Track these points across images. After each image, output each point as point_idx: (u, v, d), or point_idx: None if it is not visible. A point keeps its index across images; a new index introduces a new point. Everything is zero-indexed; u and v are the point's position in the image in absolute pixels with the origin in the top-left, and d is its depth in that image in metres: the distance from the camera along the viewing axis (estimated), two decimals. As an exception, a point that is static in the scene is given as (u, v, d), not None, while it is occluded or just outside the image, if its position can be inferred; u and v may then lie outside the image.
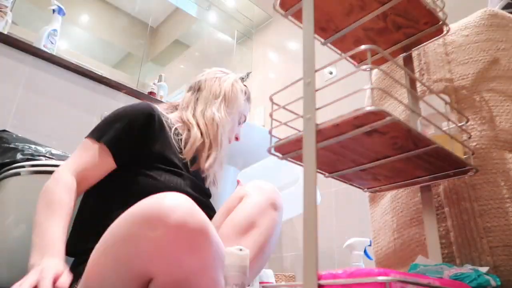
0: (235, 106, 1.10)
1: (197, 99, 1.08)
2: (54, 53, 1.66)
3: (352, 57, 0.86)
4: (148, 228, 0.56)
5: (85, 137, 0.88)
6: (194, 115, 1.03)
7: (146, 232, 0.56)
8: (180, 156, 0.95)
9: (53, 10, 1.73)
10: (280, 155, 0.63)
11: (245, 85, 1.20)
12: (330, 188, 1.87)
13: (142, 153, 0.88)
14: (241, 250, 0.53)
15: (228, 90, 1.12)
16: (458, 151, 0.68)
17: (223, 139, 1.04)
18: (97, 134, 0.87)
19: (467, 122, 0.75)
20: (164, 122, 0.95)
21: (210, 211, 0.97)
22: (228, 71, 1.20)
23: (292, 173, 0.88)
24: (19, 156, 1.12)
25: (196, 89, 1.10)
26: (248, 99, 1.19)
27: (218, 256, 0.60)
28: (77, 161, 0.84)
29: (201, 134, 1.00)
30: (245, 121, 1.20)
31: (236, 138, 1.16)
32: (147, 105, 0.92)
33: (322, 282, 0.44)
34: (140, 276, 0.58)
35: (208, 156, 0.99)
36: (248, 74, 1.27)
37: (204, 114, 1.04)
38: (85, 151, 0.85)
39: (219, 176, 1.06)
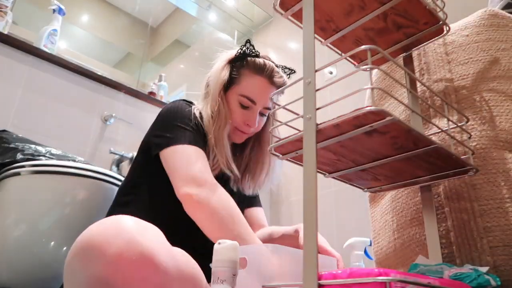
0: (215, 92, 0.95)
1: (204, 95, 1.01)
2: (54, 53, 1.66)
3: (352, 57, 0.86)
4: (85, 264, 0.53)
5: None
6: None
7: (84, 267, 0.53)
8: None
9: (53, 10, 1.73)
10: (280, 155, 0.63)
11: (254, 54, 0.98)
12: (330, 188, 1.87)
13: None
14: (219, 243, 0.51)
15: (210, 74, 1.00)
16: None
17: (217, 134, 0.92)
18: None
19: (467, 122, 0.75)
20: None
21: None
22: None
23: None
24: (19, 156, 1.12)
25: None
26: (260, 71, 0.96)
27: (176, 277, 0.57)
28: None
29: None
30: (269, 107, 0.97)
31: (248, 125, 0.97)
32: None
33: (322, 282, 0.44)
34: None
35: (214, 156, 0.92)
36: (247, 42, 0.99)
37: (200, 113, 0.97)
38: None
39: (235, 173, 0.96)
